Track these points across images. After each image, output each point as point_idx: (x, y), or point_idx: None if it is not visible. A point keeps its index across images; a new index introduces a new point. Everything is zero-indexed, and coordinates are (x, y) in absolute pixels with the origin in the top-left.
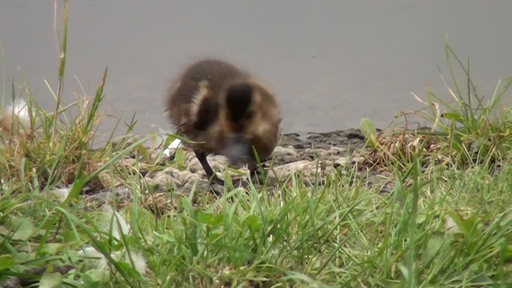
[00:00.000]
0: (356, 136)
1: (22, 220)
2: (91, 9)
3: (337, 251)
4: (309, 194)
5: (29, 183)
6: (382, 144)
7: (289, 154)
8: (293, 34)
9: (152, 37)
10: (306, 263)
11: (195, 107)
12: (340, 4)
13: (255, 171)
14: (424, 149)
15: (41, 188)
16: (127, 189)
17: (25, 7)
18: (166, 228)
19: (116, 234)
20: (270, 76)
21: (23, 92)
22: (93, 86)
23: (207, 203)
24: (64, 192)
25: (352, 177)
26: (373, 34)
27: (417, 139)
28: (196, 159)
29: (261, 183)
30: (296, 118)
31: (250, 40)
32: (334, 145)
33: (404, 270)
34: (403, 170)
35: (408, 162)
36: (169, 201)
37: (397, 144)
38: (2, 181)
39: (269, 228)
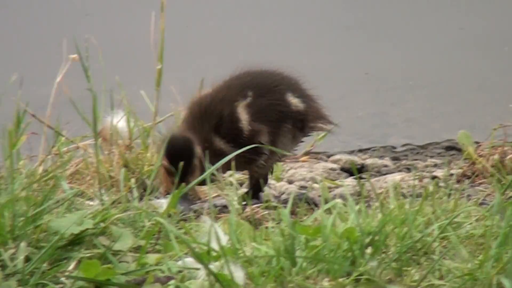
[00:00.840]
0: (453, 148)
1: (122, 231)
2: (186, 19)
3: (437, 264)
4: (407, 206)
5: (128, 193)
6: (480, 156)
7: (385, 166)
8: None
9: (248, 48)
10: (405, 275)
11: None
12: (434, 16)
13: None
14: None
15: (140, 198)
16: (224, 200)
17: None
18: (264, 239)
19: (214, 245)
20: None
21: (121, 102)
22: (189, 96)
23: (305, 214)
24: (163, 203)
25: (451, 190)
26: (469, 45)
27: None
28: (293, 170)
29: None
30: (393, 130)
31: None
32: (431, 157)
33: (507, 283)
34: (502, 183)
35: (507, 174)
36: (266, 212)
37: (496, 157)
38: (103, 191)
39: (367, 240)
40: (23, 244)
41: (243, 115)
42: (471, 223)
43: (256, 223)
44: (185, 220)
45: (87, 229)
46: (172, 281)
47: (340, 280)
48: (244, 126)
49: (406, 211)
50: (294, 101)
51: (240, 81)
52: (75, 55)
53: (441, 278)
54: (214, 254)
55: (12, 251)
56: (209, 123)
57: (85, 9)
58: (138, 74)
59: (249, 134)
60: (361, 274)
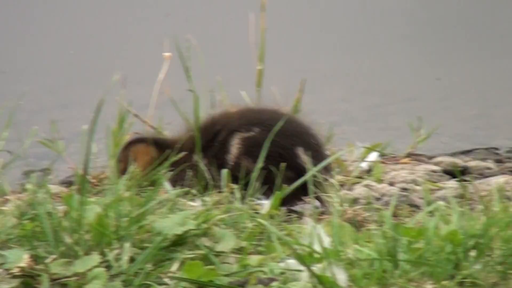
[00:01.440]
0: None
1: (224, 232)
2: (287, 19)
3: None
4: None
5: (230, 194)
6: None
7: (488, 168)
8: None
9: (346, 49)
10: (510, 279)
11: None
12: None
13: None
14: None
15: (242, 199)
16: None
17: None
18: (367, 241)
19: (317, 247)
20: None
21: (222, 103)
22: (290, 97)
23: (407, 217)
24: (265, 204)
25: None
26: None
27: None
28: (394, 172)
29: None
30: (496, 131)
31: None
32: None
33: None
34: None
35: None
36: (368, 214)
37: None
38: (205, 192)
39: (471, 243)
40: (127, 245)
41: (234, 148)
42: None
43: (358, 225)
44: (287, 221)
45: (189, 230)
46: (274, 283)
47: (444, 283)
48: (231, 158)
49: (510, 214)
50: (303, 157)
51: (254, 115)
52: (168, 54)
53: None
54: (316, 256)
55: (116, 251)
56: (204, 139)
57: (186, 10)
58: (238, 74)
59: (233, 166)
60: (464, 277)
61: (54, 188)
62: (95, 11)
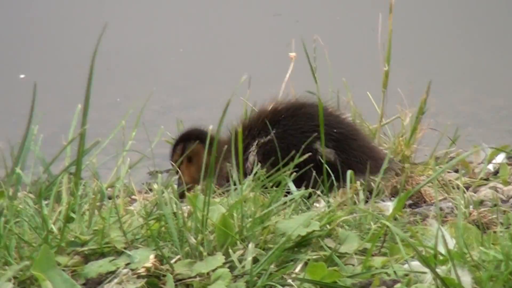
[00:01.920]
0: None
1: (348, 233)
2: (413, 21)
3: None
4: None
5: (354, 196)
6: None
7: None
8: None
9: (472, 50)
10: None
11: None
12: None
13: None
14: None
15: (366, 201)
16: (450, 204)
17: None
18: (493, 243)
19: (441, 249)
20: None
21: (347, 104)
22: (416, 99)
23: None
24: (389, 206)
25: None
26: None
27: None
28: None
29: None
30: None
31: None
32: None
33: None
34: None
35: None
36: (494, 216)
37: None
38: (329, 193)
39: None
40: (251, 245)
41: (251, 156)
42: None
43: (483, 227)
44: (411, 223)
45: (313, 231)
46: (398, 285)
47: None
48: (249, 166)
49: None
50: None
51: (274, 116)
52: (293, 54)
53: None
54: (440, 258)
55: (240, 252)
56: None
57: (312, 11)
58: (364, 76)
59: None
60: None
61: (180, 189)
62: (221, 13)
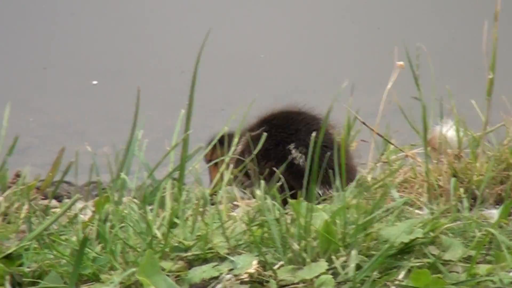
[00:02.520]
0: None
1: (452, 241)
2: None
3: None
4: None
5: (458, 203)
6: None
7: None
8: None
9: None
10: None
11: None
12: None
13: None
14: None
15: (470, 209)
16: None
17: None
18: None
19: None
20: None
21: (451, 112)
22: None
23: None
24: (493, 214)
25: None
26: None
27: None
28: None
29: None
30: None
31: None
32: None
33: None
34: None
35: None
36: None
37: None
38: (432, 200)
39: None
40: (354, 252)
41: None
42: None
43: None
44: None
45: (417, 238)
46: None
47: None
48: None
49: None
50: (295, 154)
51: (269, 116)
52: (401, 62)
53: None
54: None
55: (343, 258)
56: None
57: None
58: (468, 83)
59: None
60: None
61: (282, 195)
62: (330, 18)
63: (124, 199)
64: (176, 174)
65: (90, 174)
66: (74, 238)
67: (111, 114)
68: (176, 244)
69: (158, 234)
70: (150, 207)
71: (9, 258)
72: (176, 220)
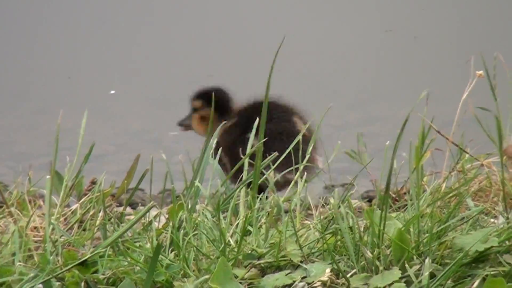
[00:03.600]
0: None
1: None
2: None
3: None
4: None
5: None
6: None
7: None
8: None
9: None
10: None
11: None
12: None
13: None
14: None
15: None
16: None
17: None
18: None
19: None
20: None
21: None
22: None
23: None
24: None
25: None
26: None
27: None
28: None
29: None
30: None
31: None
32: None
33: None
34: None
35: None
36: None
37: None
38: (508, 209)
39: None
40: (428, 260)
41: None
42: None
43: None
44: None
45: (492, 246)
46: None
47: None
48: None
49: None
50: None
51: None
52: (480, 72)
53: None
54: None
55: (416, 267)
56: None
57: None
58: None
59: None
60: None
61: (355, 203)
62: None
63: (198, 207)
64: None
65: (165, 182)
66: (148, 245)
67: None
68: (249, 252)
69: (231, 241)
70: (223, 215)
71: (84, 264)
72: (249, 228)
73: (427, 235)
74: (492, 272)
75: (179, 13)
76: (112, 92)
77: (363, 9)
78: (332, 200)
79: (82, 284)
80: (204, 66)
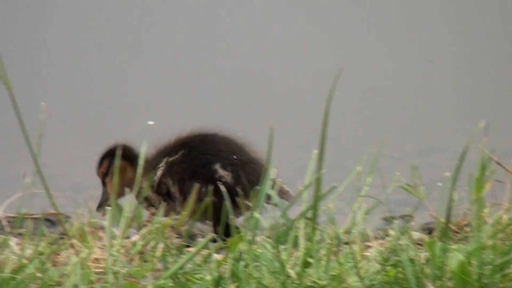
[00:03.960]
0: None
1: None
2: None
3: None
4: None
5: None
6: None
7: None
8: None
9: None
10: None
11: None
12: None
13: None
14: None
15: None
16: None
17: None
18: None
19: None
20: None
21: None
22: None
23: None
24: None
25: None
26: None
27: None
28: None
29: None
30: None
31: None
32: None
33: None
34: None
35: None
36: None
37: None
38: None
39: None
40: None
41: (159, 171)
42: None
43: None
44: None
45: None
46: None
47: None
48: (156, 180)
49: None
50: (222, 172)
51: (185, 139)
52: None
53: None
54: None
55: None
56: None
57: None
58: None
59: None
60: None
61: (415, 235)
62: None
63: (258, 238)
64: (309, 214)
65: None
66: (208, 277)
67: None
68: (310, 284)
69: (292, 273)
70: (283, 247)
71: None
72: (309, 260)
73: (489, 267)
74: None
75: (215, 47)
76: (151, 123)
77: (405, 39)
78: (392, 232)
79: None
80: (243, 95)
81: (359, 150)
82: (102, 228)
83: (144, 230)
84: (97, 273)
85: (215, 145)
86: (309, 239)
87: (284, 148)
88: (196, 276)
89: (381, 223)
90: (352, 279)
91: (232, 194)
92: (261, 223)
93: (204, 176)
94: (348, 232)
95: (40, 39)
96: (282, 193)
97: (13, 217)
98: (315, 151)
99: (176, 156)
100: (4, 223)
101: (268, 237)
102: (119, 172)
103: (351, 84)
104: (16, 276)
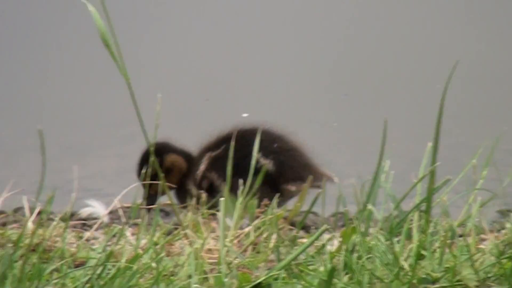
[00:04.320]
0: None
1: None
2: None
3: None
4: None
5: None
6: None
7: None
8: None
9: None
10: None
11: None
12: None
13: None
14: None
15: None
16: None
17: None
18: None
19: None
20: None
21: None
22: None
23: None
24: None
25: None
26: None
27: None
28: None
29: None
30: None
31: None
32: None
33: None
34: None
35: None
36: None
37: None
38: None
39: None
40: None
41: (202, 165)
42: None
43: None
44: None
45: None
46: None
47: None
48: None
49: None
50: (264, 161)
51: (226, 135)
52: None
53: None
54: None
55: None
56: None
57: None
58: None
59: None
60: None
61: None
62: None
63: (371, 230)
64: (423, 206)
65: (337, 205)
66: (321, 269)
67: (357, 145)
68: (424, 276)
69: (405, 265)
70: (396, 239)
71: (258, 287)
72: (423, 252)
73: None
74: None
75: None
76: (245, 115)
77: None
78: (508, 225)
79: None
80: (340, 87)
81: (473, 143)
82: (214, 219)
83: (257, 221)
84: (210, 263)
85: (253, 138)
86: (423, 231)
87: (398, 140)
88: (309, 267)
89: (497, 216)
90: (466, 272)
91: (274, 181)
92: (374, 215)
93: (246, 167)
94: (462, 224)
95: (155, 34)
96: (324, 179)
97: (129, 207)
98: (430, 144)
99: (219, 151)
100: (120, 213)
101: (381, 229)
102: (175, 168)
103: (467, 77)
104: (131, 265)
